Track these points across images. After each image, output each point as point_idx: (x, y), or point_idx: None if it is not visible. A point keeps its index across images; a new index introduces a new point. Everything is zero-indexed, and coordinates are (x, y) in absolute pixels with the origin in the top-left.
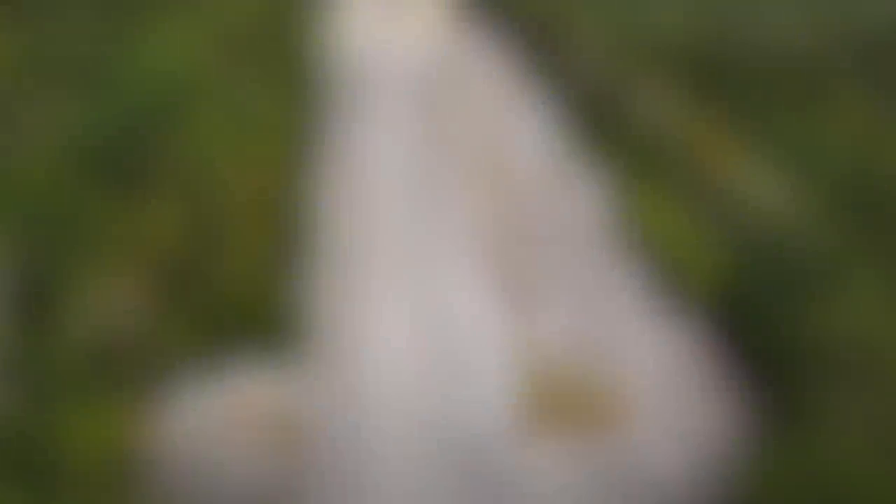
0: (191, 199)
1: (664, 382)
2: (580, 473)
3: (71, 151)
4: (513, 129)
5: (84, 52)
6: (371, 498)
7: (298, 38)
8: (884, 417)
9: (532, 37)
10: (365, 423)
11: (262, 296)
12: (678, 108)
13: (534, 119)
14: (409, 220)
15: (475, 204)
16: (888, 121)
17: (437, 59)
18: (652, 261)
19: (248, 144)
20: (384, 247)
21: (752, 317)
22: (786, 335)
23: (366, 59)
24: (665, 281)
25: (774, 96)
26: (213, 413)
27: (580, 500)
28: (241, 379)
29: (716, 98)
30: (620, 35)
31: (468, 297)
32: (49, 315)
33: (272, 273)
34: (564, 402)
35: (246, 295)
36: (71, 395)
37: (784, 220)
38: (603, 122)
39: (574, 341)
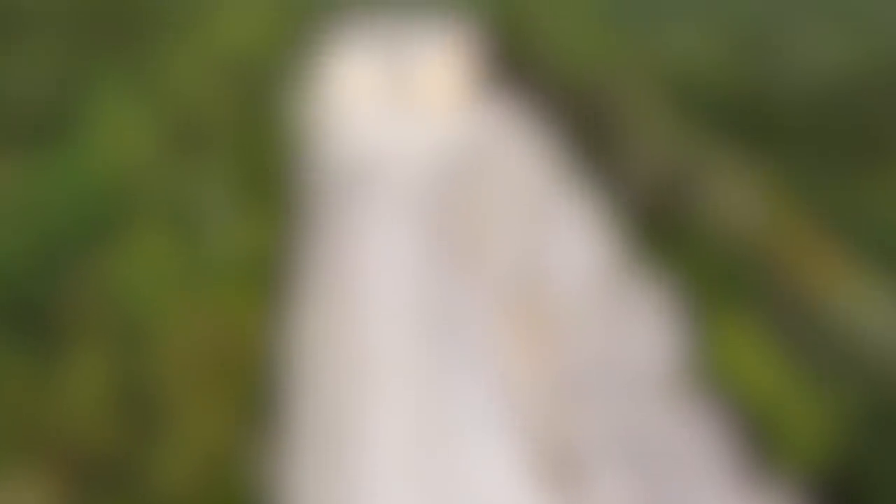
0: (120, 357)
1: None
2: None
3: None
4: (552, 237)
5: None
6: None
7: (275, 127)
8: None
9: (573, 115)
10: None
11: (218, 497)
12: (750, 191)
13: (578, 222)
14: (420, 372)
15: (504, 343)
16: None
17: (454, 150)
18: (732, 415)
19: (200, 274)
20: (387, 413)
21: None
22: None
23: (365, 153)
24: (751, 443)
25: (830, 152)
26: None
27: None
28: None
29: (767, 155)
30: (664, 83)
31: (496, 478)
32: None
33: (233, 464)
34: None
35: (195, 497)
36: None
37: None
38: (664, 223)
39: None
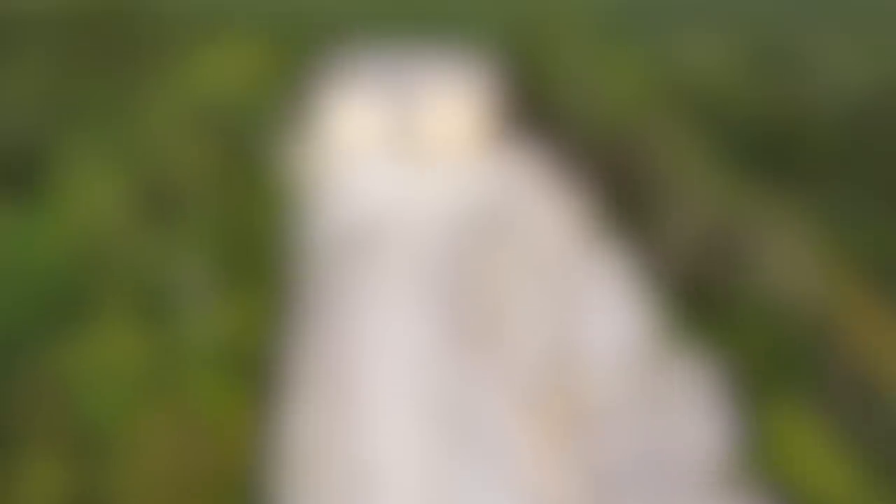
0: (79, 468)
1: None
2: None
3: None
4: (583, 310)
5: None
6: None
7: (264, 185)
8: None
9: (602, 165)
10: None
11: None
12: (801, 248)
13: (611, 291)
14: (429, 481)
15: (528, 439)
16: None
17: (469, 207)
18: None
19: (173, 368)
20: None
21: None
22: None
23: (366, 213)
24: None
25: (866, 179)
26: None
27: None
28: None
29: (801, 184)
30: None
31: None
32: None
33: None
34: None
35: None
36: None
37: None
38: (707, 290)
39: None
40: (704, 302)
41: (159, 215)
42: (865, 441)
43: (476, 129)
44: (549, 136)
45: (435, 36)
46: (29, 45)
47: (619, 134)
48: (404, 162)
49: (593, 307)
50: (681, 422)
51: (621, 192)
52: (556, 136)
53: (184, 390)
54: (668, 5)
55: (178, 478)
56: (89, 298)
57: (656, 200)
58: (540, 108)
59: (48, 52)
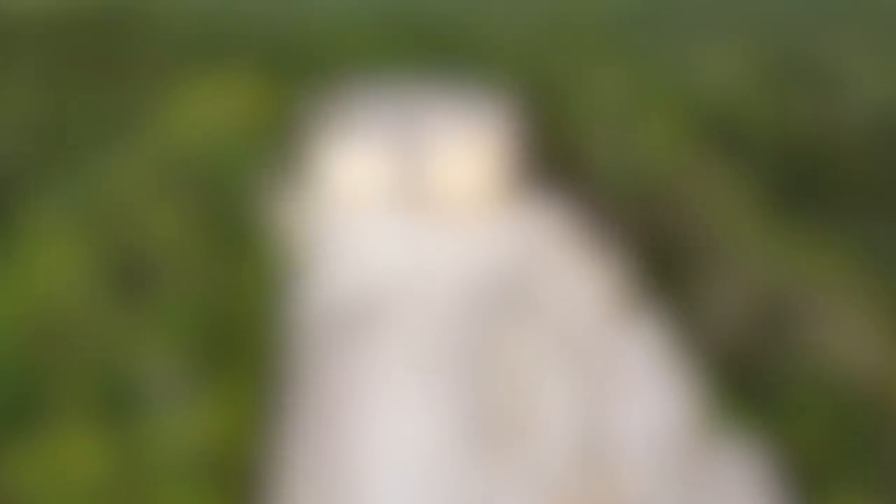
0: None
1: None
2: None
3: None
4: (618, 393)
5: None
6: None
7: (251, 252)
8: None
9: (635, 223)
10: None
11: None
12: (859, 312)
13: (650, 370)
14: None
15: None
16: None
17: (485, 272)
18: None
19: (142, 479)
20: None
21: None
22: None
23: (369, 281)
24: None
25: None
26: None
27: None
28: None
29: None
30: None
31: None
32: None
33: None
34: None
35: None
36: None
37: None
38: (756, 368)
39: None
40: (753, 379)
41: (128, 291)
42: None
43: (493, 179)
44: (574, 187)
45: (445, 70)
46: (7, 75)
47: (654, 184)
48: (411, 218)
49: (629, 389)
50: None
51: (658, 252)
52: (583, 187)
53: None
54: (680, 15)
55: None
56: (44, 394)
57: (699, 262)
58: (563, 154)
59: (27, 84)
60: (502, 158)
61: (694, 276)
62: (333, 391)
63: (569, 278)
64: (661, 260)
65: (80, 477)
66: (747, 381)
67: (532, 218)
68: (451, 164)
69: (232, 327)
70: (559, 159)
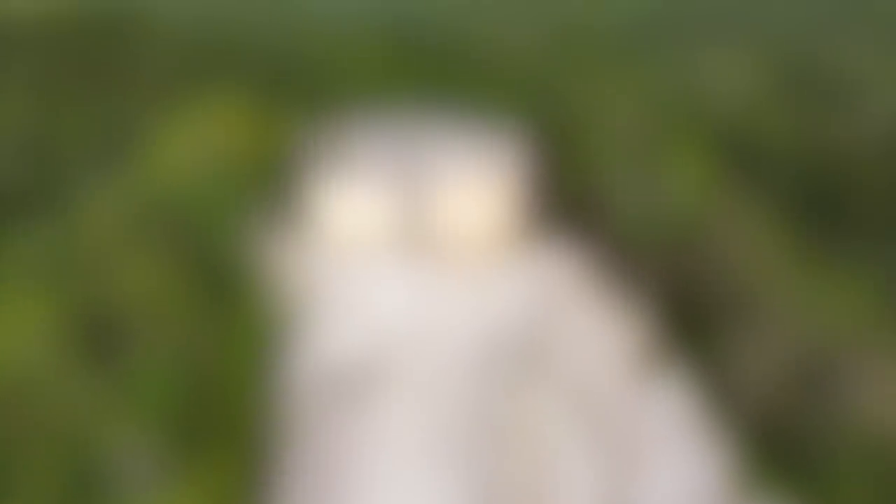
0: None
1: None
2: None
3: None
4: (641, 456)
5: None
6: None
7: (236, 309)
8: None
9: (660, 273)
10: None
11: None
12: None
13: (677, 437)
14: None
15: None
16: None
17: (496, 325)
18: None
19: None
20: None
21: None
22: None
23: (368, 339)
24: None
25: None
26: None
27: None
28: None
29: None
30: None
31: None
32: None
33: None
34: None
35: None
36: None
37: None
38: (793, 436)
39: None
40: (790, 444)
41: (98, 355)
42: None
43: (503, 221)
44: (592, 229)
45: (451, 97)
46: None
47: (680, 226)
48: (415, 265)
49: (654, 456)
50: None
51: (685, 302)
52: (602, 229)
53: None
54: (690, 23)
55: None
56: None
57: (729, 314)
58: (579, 193)
59: (13, 98)
60: (514, 198)
61: (724, 329)
62: (330, 466)
63: (587, 332)
64: (688, 311)
65: None
66: (783, 445)
67: (546, 264)
68: (459, 205)
69: (216, 397)
70: (575, 199)
